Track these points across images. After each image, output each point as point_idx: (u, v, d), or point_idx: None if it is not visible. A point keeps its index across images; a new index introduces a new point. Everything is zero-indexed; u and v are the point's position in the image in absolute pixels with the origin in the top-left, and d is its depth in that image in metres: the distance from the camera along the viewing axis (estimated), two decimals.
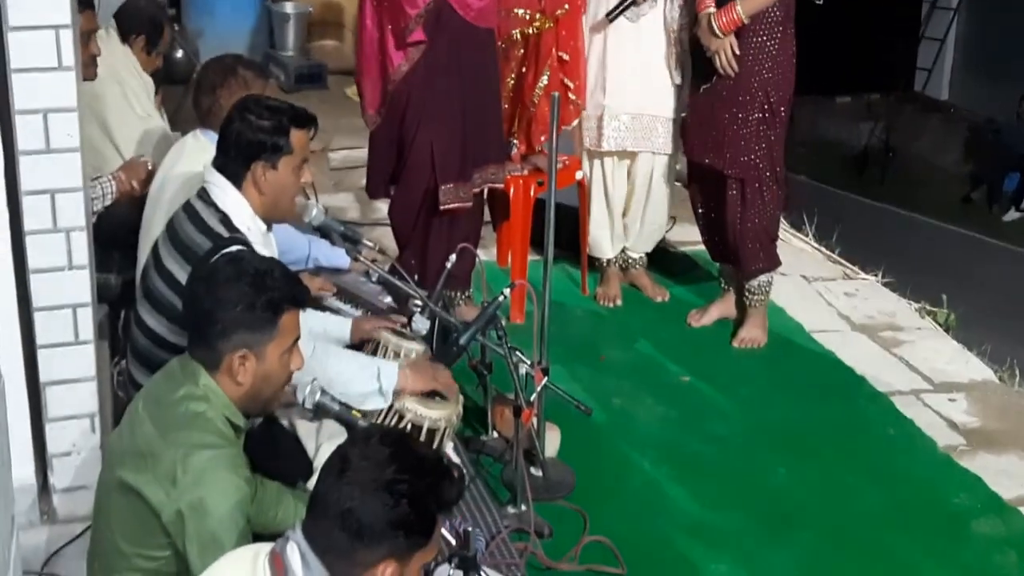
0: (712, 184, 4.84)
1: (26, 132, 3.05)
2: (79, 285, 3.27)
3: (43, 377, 3.30)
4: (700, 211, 5.00)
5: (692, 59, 4.82)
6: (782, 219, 6.32)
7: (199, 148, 3.64)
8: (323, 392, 2.84)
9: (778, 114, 4.66)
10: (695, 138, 4.82)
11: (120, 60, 4.70)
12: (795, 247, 6.04)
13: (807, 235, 6.31)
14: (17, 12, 2.95)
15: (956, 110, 15.49)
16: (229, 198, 3.15)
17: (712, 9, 4.54)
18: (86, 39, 4.06)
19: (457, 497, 2.18)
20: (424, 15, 4.21)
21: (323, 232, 3.71)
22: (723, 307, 5.10)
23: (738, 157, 4.68)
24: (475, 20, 4.38)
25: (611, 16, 4.80)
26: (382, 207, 5.95)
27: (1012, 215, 13.42)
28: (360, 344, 3.52)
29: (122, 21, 4.83)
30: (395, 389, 3.19)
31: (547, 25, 4.75)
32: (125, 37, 4.80)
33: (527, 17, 4.74)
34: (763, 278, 4.90)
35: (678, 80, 4.94)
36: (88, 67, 4.07)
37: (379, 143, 4.56)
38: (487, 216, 5.09)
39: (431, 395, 3.30)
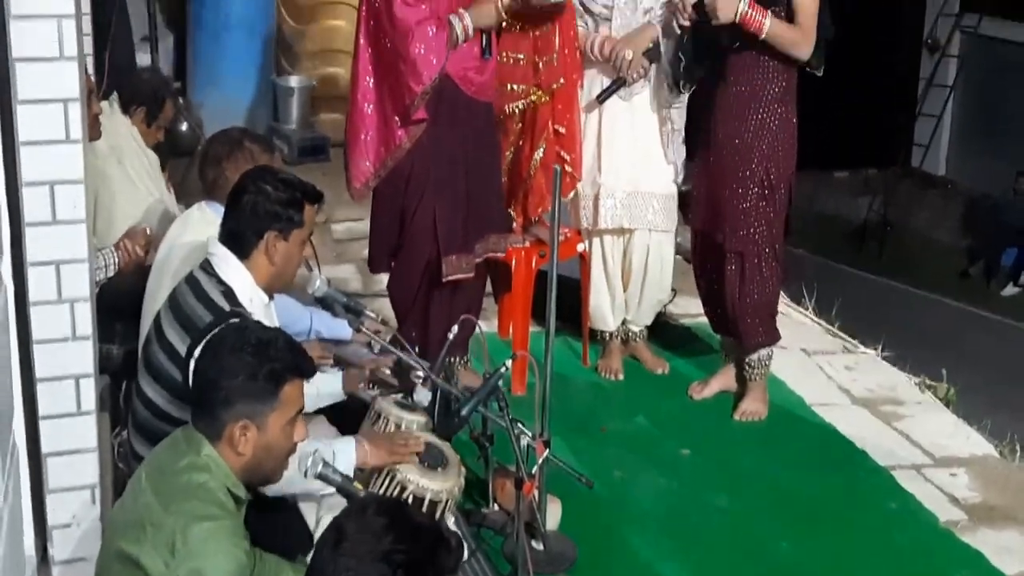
0: (714, 257, 4.86)
1: (33, 204, 3.08)
2: (82, 356, 3.27)
3: (45, 448, 3.29)
4: (702, 283, 5.02)
5: (692, 132, 4.86)
6: (782, 293, 6.35)
7: (204, 220, 3.67)
8: (325, 463, 2.84)
9: (778, 190, 4.69)
10: (698, 210, 4.86)
11: (123, 136, 4.74)
12: (795, 320, 6.05)
13: (807, 308, 6.32)
14: (26, 84, 2.98)
15: (953, 185, 15.58)
16: (232, 270, 3.18)
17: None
18: (87, 100, 4.10)
19: (455, 565, 2.17)
20: (429, 93, 4.22)
21: (326, 303, 3.71)
22: (724, 380, 5.10)
23: (737, 231, 4.70)
24: (476, 95, 4.43)
25: (602, 97, 4.86)
26: (384, 278, 5.98)
27: (1010, 290, 13.45)
28: (357, 407, 3.52)
29: (123, 92, 4.88)
30: (356, 466, 3.18)
31: (543, 99, 4.79)
32: (126, 108, 4.84)
33: (523, 91, 4.78)
34: (763, 352, 4.90)
35: (672, 157, 4.99)
36: (92, 127, 4.11)
37: (381, 217, 4.58)
38: (488, 287, 5.11)
39: (434, 466, 3.30)
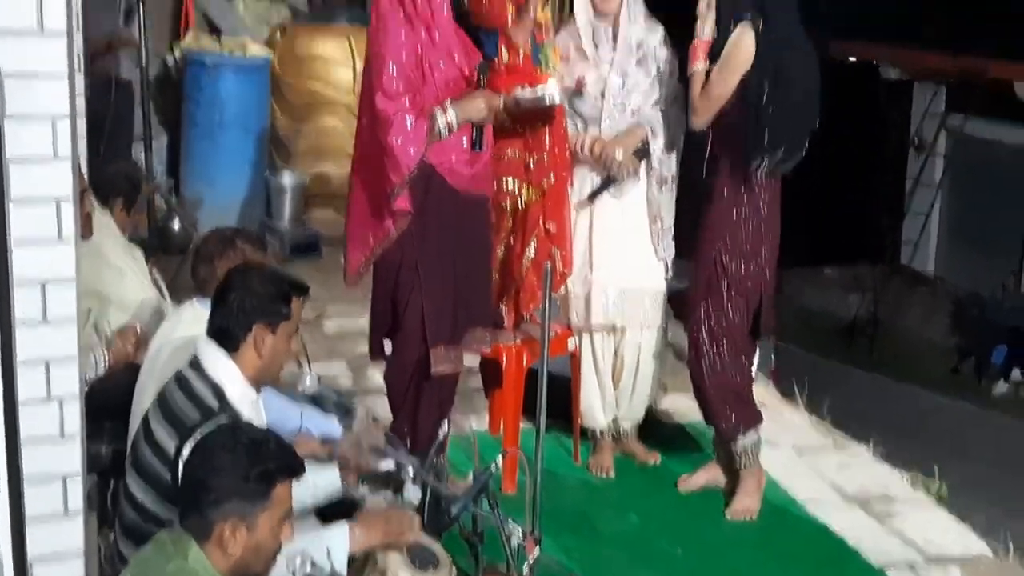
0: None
1: (24, 302, 3.08)
2: (70, 455, 3.25)
3: (31, 551, 3.25)
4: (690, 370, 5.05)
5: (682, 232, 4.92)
6: (774, 389, 6.35)
7: (195, 318, 3.67)
8: (313, 564, 2.81)
9: (739, 281, 4.74)
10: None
11: (109, 233, 4.73)
12: (786, 417, 6.04)
13: (798, 405, 6.32)
14: (19, 183, 3.00)
15: (942, 283, 15.65)
16: (221, 366, 3.18)
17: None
18: (80, 198, 4.12)
19: None
20: (409, 182, 4.25)
21: (317, 401, 3.71)
22: (711, 473, 5.08)
23: (694, 316, 4.80)
24: (466, 188, 4.43)
25: (593, 196, 4.91)
26: (375, 375, 5.97)
27: (1001, 388, 13.45)
28: (347, 502, 3.50)
29: (99, 189, 4.89)
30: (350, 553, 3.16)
31: (534, 196, 4.83)
32: (104, 202, 4.84)
33: (515, 189, 4.82)
34: (749, 440, 4.89)
35: (662, 254, 5.03)
36: (84, 226, 4.13)
37: (377, 304, 4.60)
38: (479, 383, 5.10)
39: (424, 566, 3.27)
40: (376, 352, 4.67)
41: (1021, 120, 15.11)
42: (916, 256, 16.00)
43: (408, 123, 4.18)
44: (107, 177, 4.96)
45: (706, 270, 4.76)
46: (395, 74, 4.19)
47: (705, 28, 4.67)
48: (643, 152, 4.89)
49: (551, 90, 4.56)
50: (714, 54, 4.63)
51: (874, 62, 16.79)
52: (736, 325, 4.79)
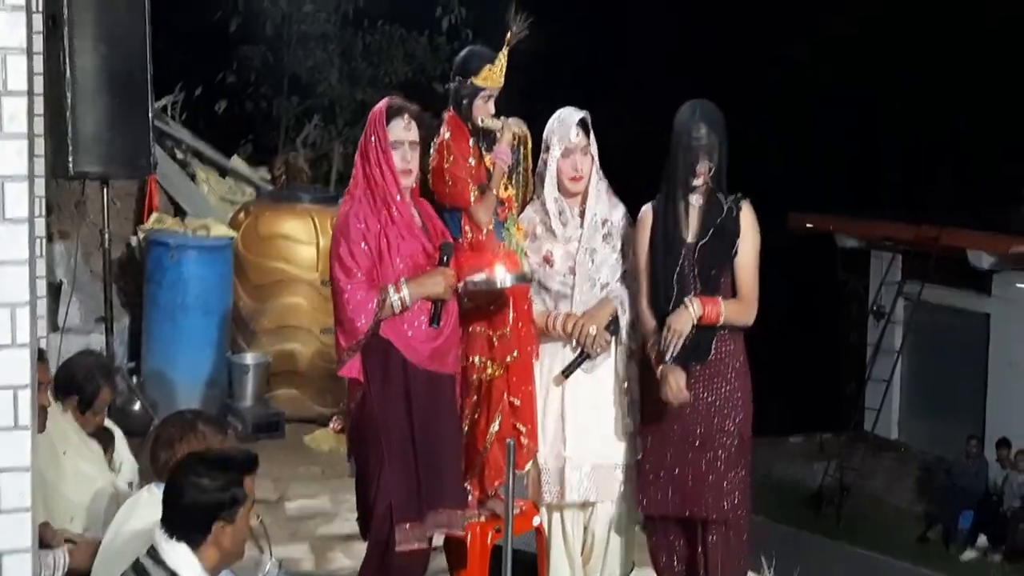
0: (679, 534, 4.86)
1: None
2: None
3: None
4: (664, 561, 4.94)
5: (648, 414, 4.90)
6: None
7: (153, 503, 3.61)
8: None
9: (747, 451, 4.74)
10: (660, 492, 4.82)
11: (58, 427, 4.64)
12: None
13: None
14: None
15: (907, 449, 15.71)
16: (180, 557, 3.14)
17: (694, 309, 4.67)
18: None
19: None
20: (357, 349, 4.35)
21: None
22: None
23: (720, 501, 4.70)
24: (426, 363, 4.45)
25: (567, 372, 4.92)
26: (338, 557, 5.88)
27: (969, 554, 13.38)
28: None
29: (56, 381, 4.82)
30: None
31: (498, 372, 4.84)
32: (58, 395, 4.76)
33: (479, 363, 4.83)
34: None
35: (631, 428, 5.02)
36: (39, 417, 4.08)
37: (357, 484, 4.59)
38: (444, 563, 5.02)
39: None
40: (364, 533, 4.63)
41: (975, 286, 15.39)
42: (879, 422, 16.08)
43: (359, 296, 4.31)
44: (66, 371, 4.90)
45: (732, 450, 4.71)
46: (352, 247, 4.34)
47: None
48: (614, 327, 4.93)
49: (500, 275, 4.62)
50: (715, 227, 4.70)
51: (831, 231, 17.14)
52: (749, 500, 4.80)
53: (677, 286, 4.71)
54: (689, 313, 4.64)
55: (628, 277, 5.01)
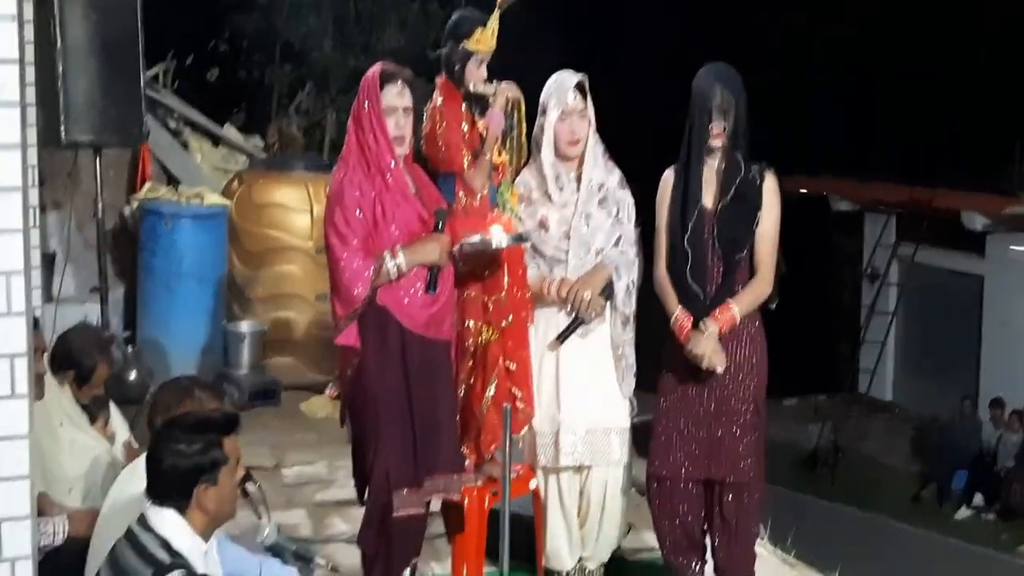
0: (688, 497, 4.88)
1: None
2: None
3: None
4: (667, 524, 4.96)
5: (666, 379, 4.91)
6: None
7: None
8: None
9: (762, 415, 4.79)
10: (675, 456, 4.85)
11: (54, 399, 4.63)
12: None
13: (763, 538, 6.28)
14: None
15: (901, 410, 15.77)
16: (168, 523, 3.16)
17: (710, 326, 4.69)
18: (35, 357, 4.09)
19: None
20: (354, 317, 4.35)
21: (275, 551, 3.67)
22: None
23: (738, 463, 4.75)
24: (422, 329, 4.47)
25: (562, 338, 4.94)
26: (336, 523, 5.91)
27: (963, 513, 13.46)
28: None
29: (53, 355, 4.83)
30: None
31: (493, 336, 4.85)
32: (55, 370, 4.77)
33: (474, 328, 4.85)
34: None
35: (627, 392, 5.04)
36: (36, 386, 4.09)
37: (353, 450, 4.61)
38: (442, 528, 5.05)
39: None
40: (361, 498, 4.66)
41: (968, 247, 15.41)
42: (874, 384, 16.14)
43: (355, 263, 4.31)
44: (64, 345, 4.90)
45: (748, 415, 4.75)
46: (347, 215, 4.33)
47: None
48: (608, 292, 4.94)
49: (496, 236, 4.62)
50: (733, 193, 4.70)
51: (824, 194, 17.15)
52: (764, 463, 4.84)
53: (693, 251, 4.71)
54: (706, 337, 4.68)
55: (624, 242, 5.02)
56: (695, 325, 4.70)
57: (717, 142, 4.68)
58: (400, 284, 4.40)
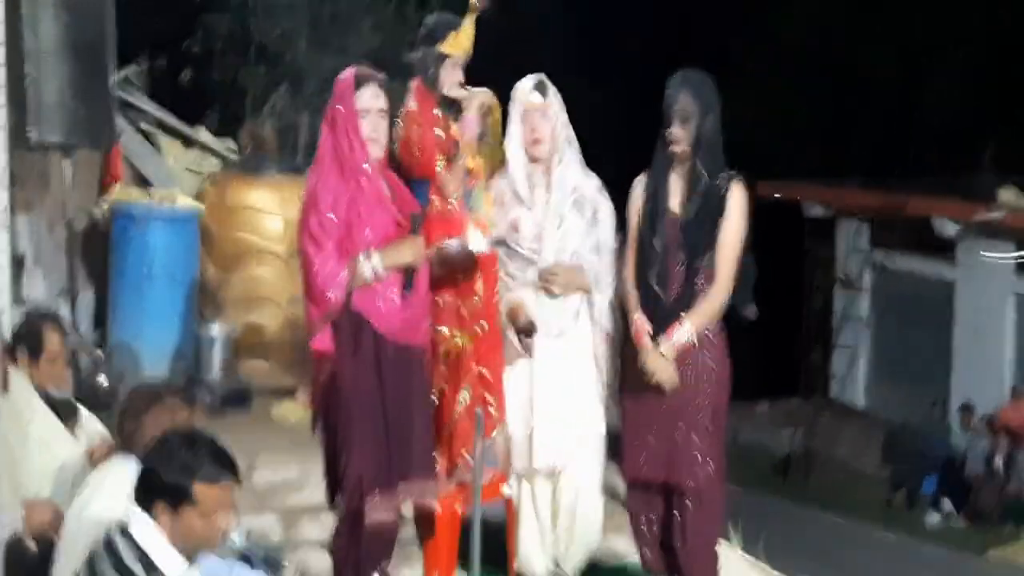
0: (658, 499, 4.88)
1: None
2: None
3: None
4: (644, 528, 4.97)
5: (628, 380, 4.91)
6: None
7: (119, 474, 3.60)
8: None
9: (722, 421, 4.78)
10: (640, 457, 4.85)
11: (22, 397, 4.59)
12: (722, 555, 5.98)
13: (733, 543, 6.28)
14: None
15: (872, 415, 15.82)
16: (148, 532, 3.10)
17: (654, 344, 4.68)
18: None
19: None
20: (328, 320, 4.32)
21: (245, 557, 3.65)
22: None
23: (694, 469, 4.73)
24: (396, 335, 4.45)
25: (524, 344, 4.92)
26: (307, 528, 5.88)
27: (933, 518, 13.52)
28: None
29: (4, 345, 4.76)
30: None
31: (467, 342, 4.84)
32: (12, 358, 4.69)
33: (448, 334, 4.83)
34: None
35: (599, 399, 5.04)
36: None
37: (325, 455, 4.58)
38: (413, 533, 5.04)
39: None
40: (332, 503, 4.63)
41: (940, 254, 15.49)
42: (845, 389, 16.21)
43: (329, 266, 4.28)
44: (12, 332, 4.84)
45: (704, 422, 4.74)
46: (321, 219, 4.30)
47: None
48: (529, 331, 4.90)
49: (473, 239, 4.62)
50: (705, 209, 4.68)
51: (798, 200, 17.20)
52: (724, 469, 4.82)
53: (657, 256, 4.70)
54: (664, 358, 4.67)
55: (602, 250, 5.00)
56: (654, 335, 4.70)
57: (676, 148, 4.69)
58: (375, 289, 4.37)
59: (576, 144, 5.04)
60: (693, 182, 4.69)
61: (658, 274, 4.71)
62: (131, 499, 3.17)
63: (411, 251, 4.39)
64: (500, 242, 4.84)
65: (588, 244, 5.00)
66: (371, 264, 4.32)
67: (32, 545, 3.90)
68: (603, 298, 4.97)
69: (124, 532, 3.11)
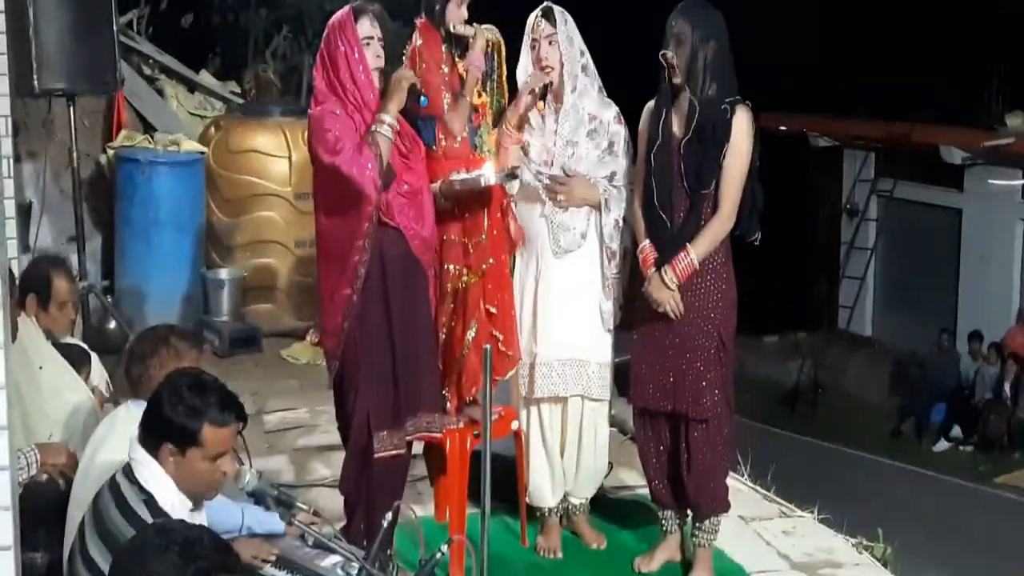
0: (665, 429, 4.90)
1: None
2: (5, 568, 3.19)
3: None
4: (652, 459, 5.00)
5: (638, 310, 4.92)
6: None
7: (131, 420, 3.62)
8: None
9: (729, 352, 4.78)
10: (647, 386, 4.86)
11: (32, 343, 4.61)
12: (732, 487, 6.02)
13: (743, 475, 6.34)
14: None
15: (880, 345, 15.84)
16: (153, 475, 3.13)
17: (657, 269, 4.68)
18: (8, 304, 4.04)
19: None
20: (375, 214, 4.31)
21: (257, 497, 3.68)
22: (669, 550, 5.06)
23: (701, 399, 4.73)
24: (418, 250, 4.47)
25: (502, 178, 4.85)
26: (318, 468, 5.94)
27: (942, 445, 13.59)
28: None
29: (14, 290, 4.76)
30: None
31: (473, 279, 4.85)
32: (22, 305, 4.70)
33: (455, 272, 4.85)
34: (715, 516, 4.91)
35: (609, 326, 5.04)
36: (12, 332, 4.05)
37: (335, 394, 4.62)
38: (424, 471, 5.08)
39: None
40: (345, 442, 4.66)
41: (947, 182, 15.43)
42: (853, 320, 16.21)
43: (358, 158, 4.25)
44: (20, 277, 4.83)
45: (711, 350, 4.73)
46: (335, 131, 4.27)
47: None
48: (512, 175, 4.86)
49: (486, 172, 4.62)
50: (700, 129, 4.64)
51: (804, 131, 17.12)
52: (732, 398, 4.83)
53: (660, 183, 4.68)
54: (666, 284, 4.66)
55: (617, 177, 4.99)
56: (659, 264, 4.70)
57: (671, 72, 4.65)
58: (406, 208, 4.40)
59: (594, 72, 5.00)
60: (689, 109, 4.66)
61: (663, 202, 4.69)
62: (134, 441, 3.19)
63: (400, 80, 4.35)
64: (510, 175, 4.82)
65: (601, 173, 4.97)
66: (383, 119, 4.30)
67: (61, 482, 3.92)
68: (611, 219, 4.94)
69: (129, 474, 3.15)
